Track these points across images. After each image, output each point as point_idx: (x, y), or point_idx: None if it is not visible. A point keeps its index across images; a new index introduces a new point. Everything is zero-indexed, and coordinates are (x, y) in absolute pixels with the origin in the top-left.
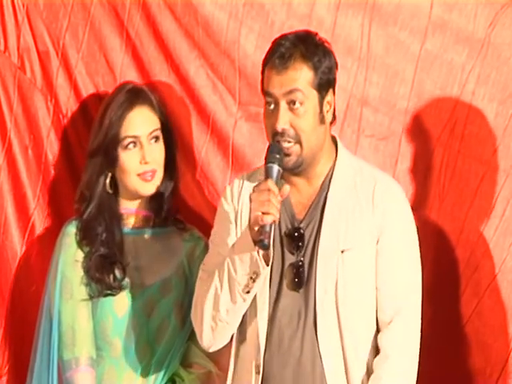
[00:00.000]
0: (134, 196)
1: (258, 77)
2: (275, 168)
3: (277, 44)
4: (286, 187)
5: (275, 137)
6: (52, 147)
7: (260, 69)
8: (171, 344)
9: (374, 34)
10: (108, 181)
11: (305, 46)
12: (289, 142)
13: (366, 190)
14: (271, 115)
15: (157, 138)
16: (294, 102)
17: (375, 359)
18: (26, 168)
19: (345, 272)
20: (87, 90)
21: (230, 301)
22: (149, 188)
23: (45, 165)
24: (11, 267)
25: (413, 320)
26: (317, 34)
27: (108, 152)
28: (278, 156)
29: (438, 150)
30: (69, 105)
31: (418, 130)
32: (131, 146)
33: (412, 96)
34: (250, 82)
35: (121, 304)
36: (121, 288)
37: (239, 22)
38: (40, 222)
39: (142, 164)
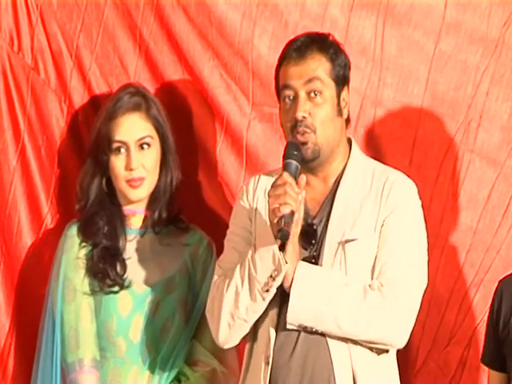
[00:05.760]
0: (129, 199)
1: (272, 77)
2: (293, 163)
3: (291, 41)
4: (303, 177)
5: (294, 129)
6: (65, 148)
7: (274, 69)
8: (176, 342)
9: (388, 34)
10: (104, 182)
11: (320, 41)
12: (305, 131)
13: (377, 185)
14: (289, 109)
15: (147, 144)
16: (313, 92)
17: None
18: (40, 169)
19: (347, 263)
20: (101, 90)
21: (249, 299)
22: (137, 194)
23: (58, 166)
24: (24, 268)
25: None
26: (330, 34)
27: (99, 154)
28: (295, 153)
29: (451, 150)
30: (82, 106)
31: (431, 130)
32: (119, 150)
33: (426, 96)
34: (264, 82)
35: (125, 303)
36: (122, 284)
37: (253, 22)
38: (53, 223)
39: (127, 170)
